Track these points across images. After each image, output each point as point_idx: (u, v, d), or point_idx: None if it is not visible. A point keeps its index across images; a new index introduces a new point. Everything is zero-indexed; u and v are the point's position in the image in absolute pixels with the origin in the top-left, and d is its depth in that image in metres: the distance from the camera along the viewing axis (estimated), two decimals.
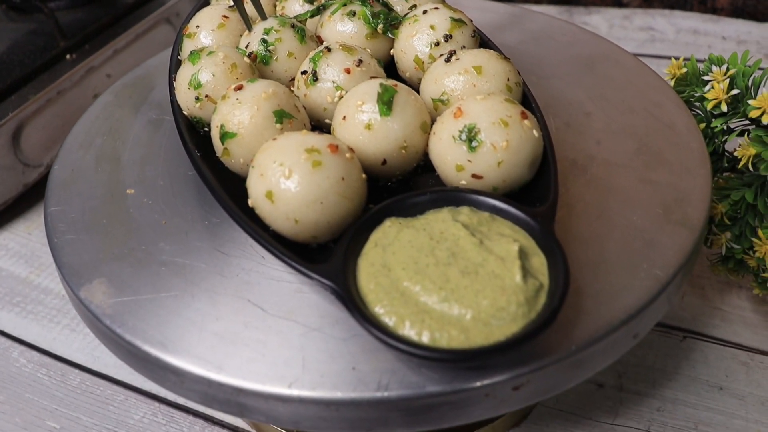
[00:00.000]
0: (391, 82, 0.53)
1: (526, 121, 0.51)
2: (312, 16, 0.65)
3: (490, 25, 0.79)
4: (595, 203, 0.56)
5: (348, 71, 0.56)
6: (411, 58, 0.61)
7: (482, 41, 0.64)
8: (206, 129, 0.59)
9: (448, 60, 0.57)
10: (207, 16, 0.65)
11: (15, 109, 0.89)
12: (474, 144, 0.49)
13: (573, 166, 0.60)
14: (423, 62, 0.61)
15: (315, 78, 0.56)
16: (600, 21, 1.11)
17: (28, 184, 0.92)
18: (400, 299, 0.43)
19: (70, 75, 0.95)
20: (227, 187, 0.53)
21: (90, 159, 0.64)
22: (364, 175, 0.49)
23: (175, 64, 0.65)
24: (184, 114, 0.59)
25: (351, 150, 0.49)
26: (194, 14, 0.68)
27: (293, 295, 0.50)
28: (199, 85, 0.56)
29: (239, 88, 0.53)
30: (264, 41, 0.60)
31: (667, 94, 0.68)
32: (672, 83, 0.72)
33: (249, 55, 0.59)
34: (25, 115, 0.90)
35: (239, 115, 0.51)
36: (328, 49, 0.57)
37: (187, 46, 0.65)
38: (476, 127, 0.49)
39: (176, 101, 0.59)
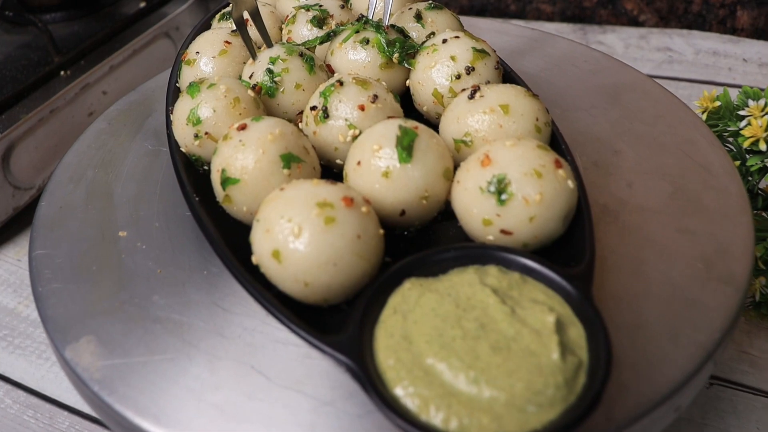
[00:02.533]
0: (411, 123, 0.47)
1: (560, 171, 0.45)
2: (321, 43, 0.60)
3: (508, 50, 0.74)
4: (630, 256, 0.51)
5: (362, 108, 0.50)
6: (429, 91, 0.55)
7: (506, 73, 0.59)
8: (206, 168, 0.53)
9: (471, 96, 0.51)
10: (208, 42, 0.59)
11: (5, 130, 0.82)
12: (504, 197, 0.44)
13: (604, 212, 0.54)
14: (442, 96, 0.55)
15: (326, 115, 0.50)
16: (615, 40, 1.06)
17: (18, 208, 0.86)
18: (423, 379, 0.38)
19: (64, 92, 0.89)
20: (228, 236, 0.47)
21: (80, 194, 0.58)
22: (381, 230, 0.43)
23: (173, 94, 0.59)
24: (181, 151, 0.53)
25: (367, 202, 0.44)
26: (193, 38, 0.62)
27: (301, 361, 0.44)
28: (198, 122, 0.51)
29: (243, 127, 0.47)
30: (270, 71, 0.54)
31: (700, 130, 0.62)
32: (703, 117, 0.67)
33: (253, 87, 0.54)
34: (16, 136, 0.84)
35: (242, 158, 0.46)
36: (341, 83, 0.51)
37: (186, 75, 0.59)
38: (506, 178, 0.44)
39: (173, 137, 0.53)
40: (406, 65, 0.57)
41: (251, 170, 0.45)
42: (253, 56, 0.56)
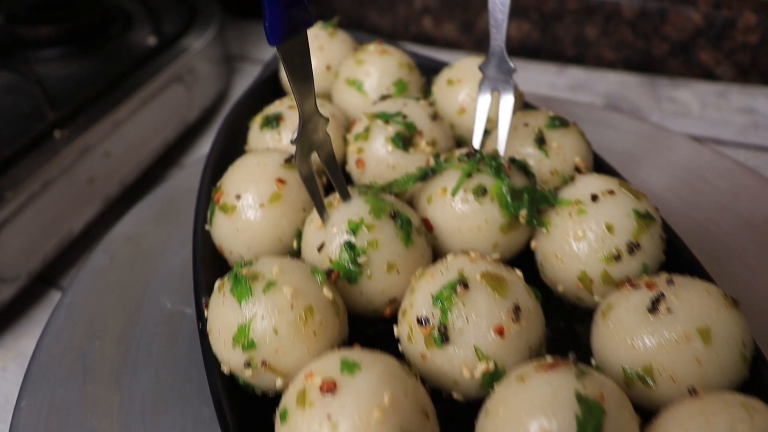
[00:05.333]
0: (591, 387, 0.27)
1: None
2: (416, 181, 0.39)
3: (618, 153, 0.53)
4: None
5: (500, 331, 0.30)
6: (573, 271, 0.36)
7: (669, 240, 0.38)
8: (257, 393, 0.33)
9: (653, 309, 0.31)
10: (252, 179, 0.38)
11: None
12: None
13: None
14: (593, 282, 0.35)
15: (444, 338, 0.31)
16: (690, 98, 0.86)
17: (4, 303, 0.65)
18: None
19: (60, 159, 0.67)
20: None
21: (74, 391, 0.37)
22: None
23: (202, 249, 0.38)
24: (223, 372, 0.33)
25: None
26: (219, 154, 0.41)
27: None
28: (251, 345, 0.30)
29: (330, 388, 0.27)
30: (350, 247, 0.34)
31: None
32: None
33: (328, 274, 0.33)
34: (1, 219, 0.63)
35: None
36: (465, 285, 0.31)
37: (223, 226, 0.38)
38: None
39: (210, 354, 0.33)
40: (536, 225, 0.37)
41: None
42: (322, 216, 0.35)
